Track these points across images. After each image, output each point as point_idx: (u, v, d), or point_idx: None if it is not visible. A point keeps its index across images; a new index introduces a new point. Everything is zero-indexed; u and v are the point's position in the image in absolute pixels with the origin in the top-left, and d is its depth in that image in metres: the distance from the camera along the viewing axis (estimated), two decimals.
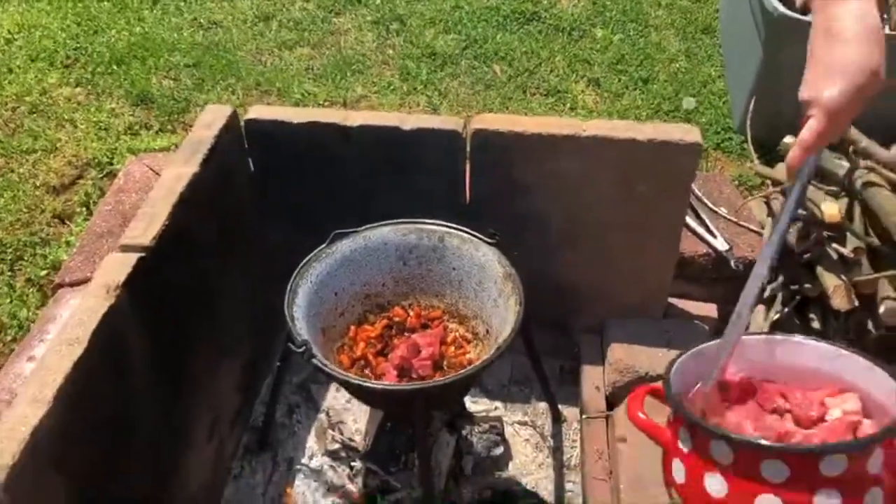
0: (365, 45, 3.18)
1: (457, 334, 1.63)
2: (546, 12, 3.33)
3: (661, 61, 3.07)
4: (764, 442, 0.91)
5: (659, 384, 1.02)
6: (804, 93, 0.92)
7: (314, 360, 1.34)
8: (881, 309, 1.91)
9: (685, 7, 3.36)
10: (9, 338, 2.06)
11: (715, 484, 0.89)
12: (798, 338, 1.01)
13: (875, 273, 1.93)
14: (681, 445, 0.96)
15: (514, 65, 3.07)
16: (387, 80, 3.01)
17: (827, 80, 0.89)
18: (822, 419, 0.98)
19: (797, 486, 0.83)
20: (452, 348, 1.60)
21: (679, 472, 0.96)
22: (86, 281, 1.95)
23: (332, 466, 1.82)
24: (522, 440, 1.96)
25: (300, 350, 1.34)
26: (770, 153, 2.32)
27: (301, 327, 1.42)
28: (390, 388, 1.39)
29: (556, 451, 1.93)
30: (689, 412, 0.96)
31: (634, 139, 1.72)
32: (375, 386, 1.37)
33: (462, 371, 1.37)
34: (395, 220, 1.64)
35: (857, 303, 1.90)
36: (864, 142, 2.04)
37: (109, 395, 1.36)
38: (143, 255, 1.45)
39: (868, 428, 0.95)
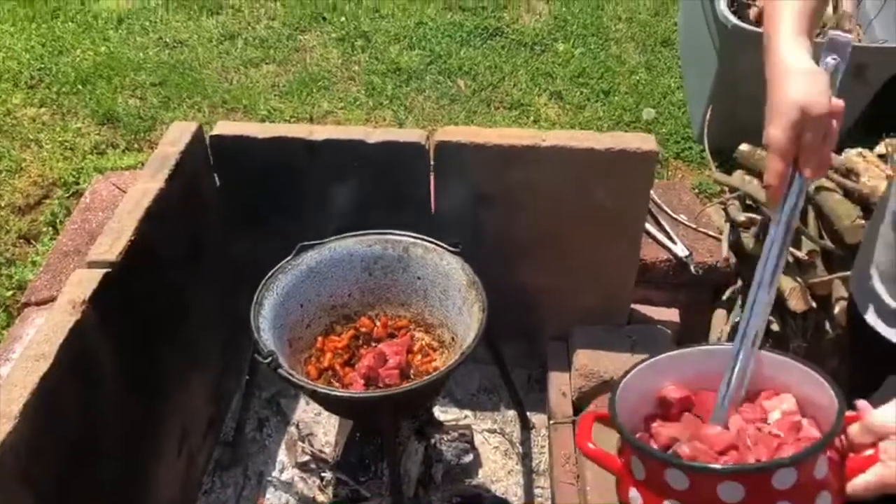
0: (330, 61, 3.20)
1: (423, 343, 1.65)
2: (509, 27, 3.37)
3: (622, 73, 3.12)
4: (717, 466, 0.93)
5: (606, 410, 1.02)
6: (763, 139, 0.97)
7: (280, 371, 1.35)
8: (835, 309, 1.96)
9: (645, 20, 3.42)
10: None
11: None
12: (730, 346, 1.03)
13: (829, 275, 1.98)
14: (634, 473, 0.96)
15: (478, 79, 3.11)
16: (353, 96, 3.03)
17: (768, 122, 0.94)
18: (763, 420, 1.01)
19: (753, 502, 0.85)
20: (419, 357, 1.61)
21: (636, 499, 0.96)
22: (52, 300, 1.94)
23: (302, 478, 1.82)
24: (492, 447, 1.97)
25: (266, 361, 1.35)
26: (728, 161, 2.37)
27: (267, 339, 1.42)
28: (356, 396, 1.41)
29: (525, 458, 1.95)
30: (635, 439, 0.97)
31: (593, 148, 1.76)
32: (341, 394, 1.38)
33: (426, 378, 1.39)
34: (360, 232, 1.66)
35: (813, 304, 1.94)
36: None
37: (77, 410, 1.36)
38: (109, 270, 1.46)
39: (808, 427, 0.98)
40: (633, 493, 0.95)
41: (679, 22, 3.29)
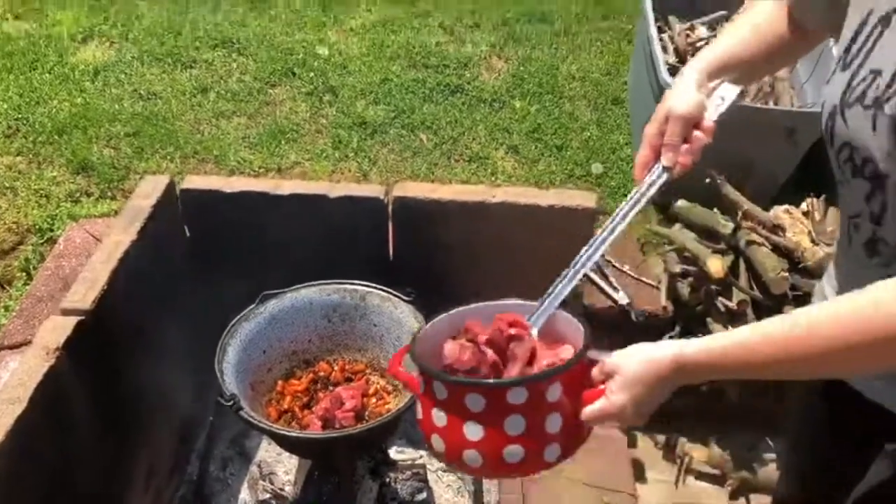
0: (299, 114, 3.32)
1: (378, 386, 1.74)
2: (469, 85, 3.52)
3: (574, 130, 3.27)
4: (462, 379, 1.10)
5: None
6: None
7: (241, 413, 1.43)
8: None
9: (597, 80, 3.59)
10: None
11: (439, 419, 1.07)
12: (533, 303, 1.20)
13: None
14: (421, 389, 1.11)
15: (440, 133, 3.24)
16: (320, 148, 3.14)
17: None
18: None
19: (492, 413, 1.02)
20: (374, 399, 1.70)
21: (419, 408, 1.12)
22: (25, 343, 2.00)
23: None
24: (445, 485, 2.05)
25: (229, 403, 1.44)
26: (668, 214, 2.51)
27: (230, 382, 1.51)
28: (311, 436, 1.49)
29: (476, 494, 2.03)
30: (417, 356, 1.12)
31: (538, 205, 1.89)
32: (298, 435, 1.47)
33: (379, 419, 1.48)
34: (320, 281, 1.75)
35: None
36: (747, 205, 2.24)
37: (50, 450, 1.43)
38: (82, 318, 1.54)
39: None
40: (417, 406, 1.12)
41: (629, 82, 3.46)
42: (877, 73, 0.96)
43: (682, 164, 1.17)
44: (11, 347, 2.02)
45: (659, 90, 2.69)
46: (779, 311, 2.12)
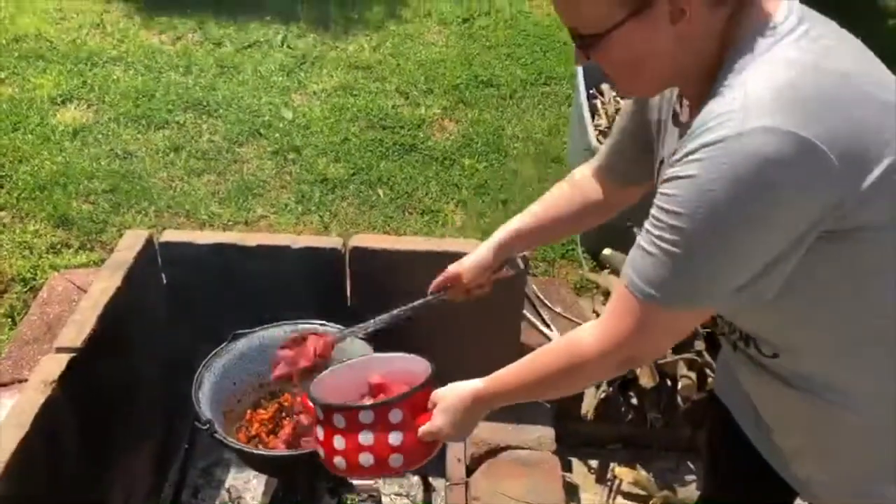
0: (265, 171, 3.54)
1: None
2: (423, 144, 3.78)
3: (518, 186, 3.54)
4: (329, 402, 1.41)
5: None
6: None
7: (216, 435, 1.63)
8: (679, 385, 2.33)
9: (539, 140, 3.88)
10: None
11: (319, 433, 1.40)
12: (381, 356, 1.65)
13: (674, 356, 2.36)
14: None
15: (395, 188, 3.49)
16: (284, 202, 3.37)
17: None
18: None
19: (349, 428, 1.35)
20: None
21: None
22: (15, 382, 2.17)
23: None
24: None
25: (205, 427, 1.63)
26: (598, 261, 2.77)
27: (205, 409, 1.71)
28: (276, 454, 1.70)
29: None
30: (315, 397, 1.44)
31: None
32: (264, 453, 1.67)
33: None
34: (284, 322, 1.96)
35: (658, 379, 2.31)
36: None
37: (42, 474, 1.61)
38: (74, 355, 1.73)
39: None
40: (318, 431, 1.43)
41: (567, 142, 3.75)
42: (660, 161, 1.25)
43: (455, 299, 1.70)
44: (2, 385, 2.19)
45: (590, 153, 2.97)
46: (691, 347, 2.38)
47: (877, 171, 0.96)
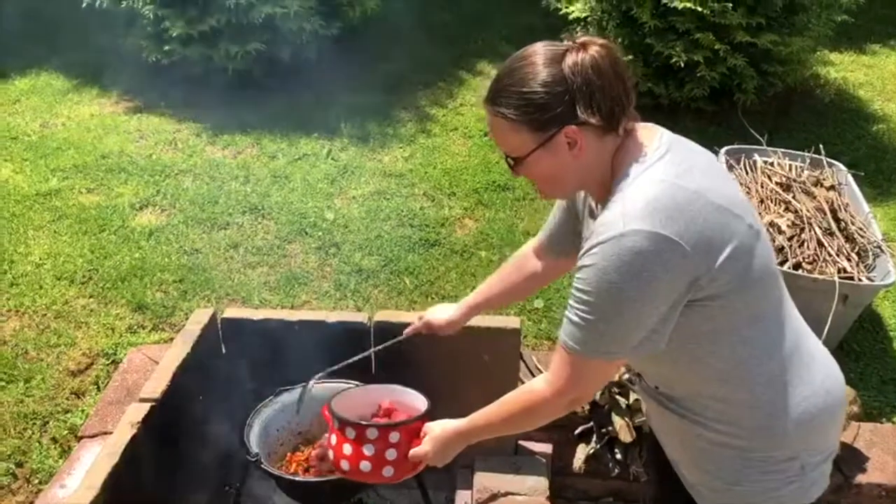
0: (309, 264, 3.96)
1: None
2: (445, 239, 4.18)
3: None
4: (348, 417, 1.74)
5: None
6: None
7: (262, 466, 1.97)
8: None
9: None
10: (36, 480, 2.60)
11: (332, 439, 1.74)
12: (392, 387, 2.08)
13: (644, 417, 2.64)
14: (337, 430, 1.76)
15: (420, 277, 3.87)
16: (325, 290, 3.76)
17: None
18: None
19: (357, 440, 1.68)
20: None
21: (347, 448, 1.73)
22: (100, 434, 2.55)
23: None
24: None
25: (253, 459, 1.98)
26: None
27: (254, 447, 2.06)
28: (306, 480, 2.04)
29: None
30: (332, 408, 1.80)
31: (476, 326, 2.47)
32: (296, 479, 2.02)
33: None
34: (321, 380, 2.31)
35: (635, 435, 2.59)
36: None
37: (129, 492, 1.96)
38: (153, 403, 2.11)
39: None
40: (332, 437, 1.77)
41: None
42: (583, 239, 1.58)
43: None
44: (91, 436, 2.56)
45: None
46: None
47: (723, 256, 1.33)
